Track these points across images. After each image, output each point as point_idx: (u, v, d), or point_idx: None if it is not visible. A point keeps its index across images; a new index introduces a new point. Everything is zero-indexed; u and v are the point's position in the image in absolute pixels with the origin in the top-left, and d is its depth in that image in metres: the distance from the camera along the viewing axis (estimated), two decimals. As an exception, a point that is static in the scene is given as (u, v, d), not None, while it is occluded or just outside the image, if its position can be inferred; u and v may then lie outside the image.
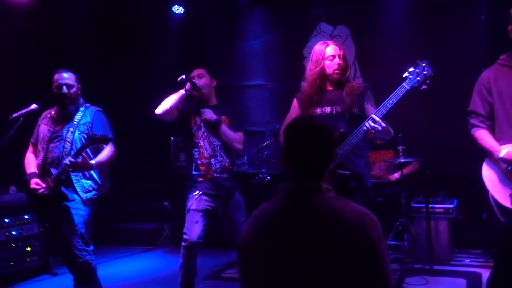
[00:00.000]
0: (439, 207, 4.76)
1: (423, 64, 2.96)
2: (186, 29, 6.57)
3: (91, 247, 3.40)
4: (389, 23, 5.47)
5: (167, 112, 3.50)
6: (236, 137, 3.64)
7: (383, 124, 2.86)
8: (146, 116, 6.43)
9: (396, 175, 4.98)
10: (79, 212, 3.36)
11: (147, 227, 6.29)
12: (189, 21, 6.53)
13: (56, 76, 3.46)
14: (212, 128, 3.58)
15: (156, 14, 6.48)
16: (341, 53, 3.10)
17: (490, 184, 2.83)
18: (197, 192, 3.56)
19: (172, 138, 5.92)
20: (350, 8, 5.77)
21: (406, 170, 4.78)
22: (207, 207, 3.56)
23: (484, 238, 4.75)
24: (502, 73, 2.84)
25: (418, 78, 2.93)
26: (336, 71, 3.09)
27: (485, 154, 2.91)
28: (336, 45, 3.13)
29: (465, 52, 5.09)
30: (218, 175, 3.57)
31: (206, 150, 3.59)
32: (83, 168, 3.34)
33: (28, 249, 4.82)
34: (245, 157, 5.96)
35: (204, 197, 3.56)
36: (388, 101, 2.89)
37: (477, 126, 2.92)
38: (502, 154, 2.75)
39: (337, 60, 3.08)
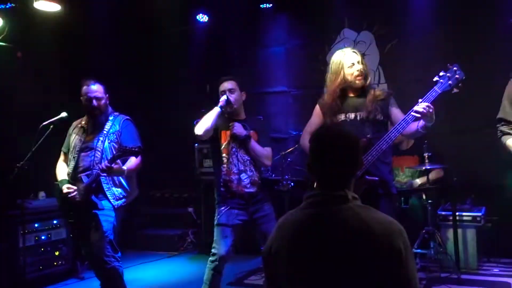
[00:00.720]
0: (466, 214, 4.68)
1: (455, 68, 2.89)
2: (210, 37, 6.65)
3: (119, 254, 3.46)
4: (413, 28, 5.41)
5: (207, 131, 3.47)
6: (264, 153, 3.59)
7: (432, 106, 2.79)
8: (171, 123, 6.61)
9: (418, 181, 4.92)
10: (108, 219, 3.43)
11: (171, 233, 6.35)
12: (213, 29, 6.61)
13: (85, 89, 3.51)
14: (241, 143, 3.54)
15: (181, 22, 6.57)
16: (360, 58, 3.10)
17: None
18: (226, 206, 3.53)
19: (196, 144, 5.97)
20: (374, 13, 5.75)
21: (430, 177, 4.72)
22: (237, 221, 3.51)
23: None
24: None
25: (450, 82, 2.86)
26: (358, 77, 3.07)
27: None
28: (354, 51, 3.12)
29: (492, 57, 4.99)
30: (248, 190, 3.53)
31: (235, 165, 3.54)
32: (117, 173, 3.42)
33: (57, 253, 4.93)
34: (269, 164, 5.97)
35: (234, 211, 3.51)
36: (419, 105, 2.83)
37: (508, 133, 2.90)
38: None
39: (356, 66, 3.07)
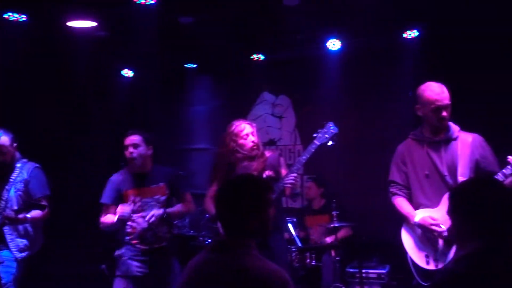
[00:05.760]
0: (372, 272, 4.90)
1: (330, 125, 3.41)
2: (134, 92, 6.72)
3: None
4: (325, 96, 5.81)
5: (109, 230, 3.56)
6: (185, 209, 3.67)
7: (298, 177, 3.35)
8: (86, 175, 6.44)
9: (329, 239, 5.13)
10: (9, 270, 3.29)
11: (80, 292, 6.01)
12: (137, 84, 6.69)
13: None
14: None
15: (105, 76, 6.60)
16: (254, 130, 3.49)
17: (408, 247, 3.07)
18: (126, 257, 3.50)
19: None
20: (291, 80, 6.17)
21: (339, 235, 4.96)
22: (137, 273, 3.47)
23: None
24: (414, 146, 3.18)
25: (326, 135, 3.37)
26: (253, 148, 3.45)
27: (403, 219, 3.14)
28: (248, 123, 3.52)
29: (394, 126, 5.46)
30: (153, 247, 3.51)
31: (140, 223, 3.51)
32: (21, 222, 3.34)
33: None
34: (187, 220, 5.96)
35: (134, 263, 3.49)
36: (302, 157, 3.34)
37: (396, 194, 3.19)
38: (416, 219, 3.00)
39: (251, 137, 3.44)
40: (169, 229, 3.63)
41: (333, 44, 5.57)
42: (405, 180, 3.17)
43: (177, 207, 3.64)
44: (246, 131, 3.44)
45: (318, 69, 5.87)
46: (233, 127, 3.48)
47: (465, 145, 3.02)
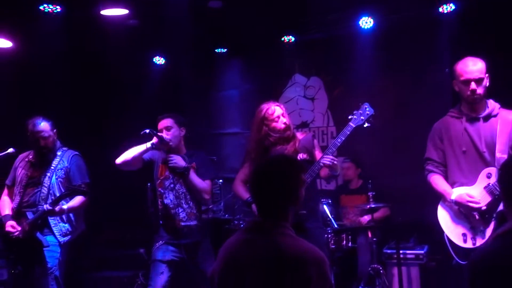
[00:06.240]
0: (410, 253, 4.84)
1: (365, 106, 3.30)
2: (166, 79, 6.77)
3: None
4: (358, 76, 5.70)
5: (126, 163, 3.50)
6: (203, 186, 3.60)
7: (335, 159, 3.26)
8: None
9: (367, 217, 5.08)
10: (54, 255, 3.40)
11: (120, 275, 6.17)
12: (169, 71, 6.74)
13: (31, 127, 3.53)
14: (181, 175, 3.56)
15: (137, 64, 6.67)
16: (284, 111, 3.45)
17: (444, 224, 3.04)
18: (162, 241, 3.54)
19: (149, 184, 5.94)
20: (323, 61, 6.07)
21: (377, 215, 4.91)
22: (173, 257, 3.52)
23: (455, 285, 4.80)
24: (451, 123, 3.12)
25: (362, 117, 3.26)
26: (285, 129, 3.40)
27: (440, 197, 3.09)
28: (278, 105, 3.47)
29: (431, 104, 5.33)
30: (184, 224, 3.54)
31: (171, 200, 3.56)
32: (58, 214, 3.44)
33: (-3, 296, 4.70)
34: (222, 204, 6.02)
35: (170, 247, 3.53)
36: (337, 139, 3.23)
37: (432, 171, 3.15)
38: (453, 197, 2.97)
39: (282, 119, 3.39)
40: (198, 206, 3.65)
41: (366, 22, 5.44)
42: (441, 157, 3.13)
43: (199, 180, 3.62)
44: (277, 113, 3.40)
45: (350, 48, 5.75)
46: (264, 110, 3.43)
47: (505, 122, 2.96)
